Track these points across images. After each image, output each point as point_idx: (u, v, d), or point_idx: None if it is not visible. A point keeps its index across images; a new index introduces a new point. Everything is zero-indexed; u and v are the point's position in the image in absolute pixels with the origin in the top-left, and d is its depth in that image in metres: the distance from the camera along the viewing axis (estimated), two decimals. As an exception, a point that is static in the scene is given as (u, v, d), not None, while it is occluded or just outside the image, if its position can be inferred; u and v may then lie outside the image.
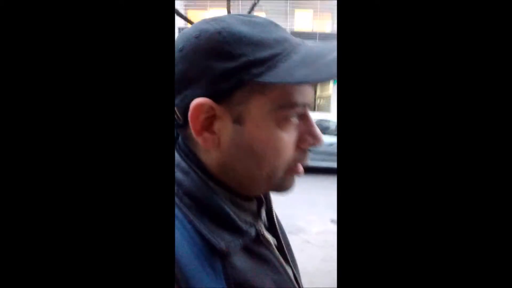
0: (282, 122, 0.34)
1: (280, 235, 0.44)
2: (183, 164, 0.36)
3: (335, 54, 0.32)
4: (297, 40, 0.36)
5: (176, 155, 0.37)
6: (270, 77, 0.32)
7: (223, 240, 0.33)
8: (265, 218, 0.43)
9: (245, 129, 0.34)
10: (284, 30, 0.36)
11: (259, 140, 0.34)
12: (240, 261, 0.35)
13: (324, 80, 0.31)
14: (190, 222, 0.33)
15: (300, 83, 0.33)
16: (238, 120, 0.34)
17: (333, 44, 0.34)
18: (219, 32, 0.33)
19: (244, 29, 0.33)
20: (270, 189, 0.38)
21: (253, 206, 0.39)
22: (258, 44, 0.33)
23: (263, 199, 0.43)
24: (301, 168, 0.38)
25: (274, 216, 0.44)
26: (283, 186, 0.38)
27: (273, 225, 0.44)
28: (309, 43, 0.36)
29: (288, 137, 0.35)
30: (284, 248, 0.43)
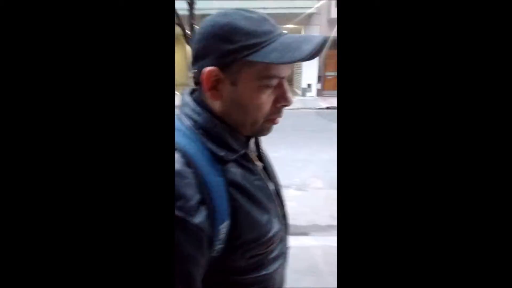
0: (262, 87, 0.51)
1: (265, 161, 0.66)
2: (198, 109, 0.54)
3: (303, 44, 0.48)
4: (281, 31, 0.52)
5: (193, 103, 0.55)
6: (255, 57, 0.48)
7: (222, 152, 0.52)
8: (255, 149, 0.63)
9: (238, 90, 0.51)
10: (272, 23, 0.51)
11: (246, 98, 0.51)
12: (234, 168, 0.54)
13: (288, 62, 0.47)
14: (202, 143, 0.52)
15: (273, 63, 0.48)
16: (234, 83, 0.51)
17: (305, 36, 0.50)
18: (226, 24, 0.49)
19: (243, 23, 0.49)
20: (254, 132, 0.56)
21: (243, 138, 0.57)
22: (251, 34, 0.48)
23: (252, 136, 0.61)
24: (278, 120, 0.56)
25: (261, 148, 0.66)
26: (263, 131, 0.56)
27: (260, 154, 0.65)
28: (290, 35, 0.51)
29: (266, 98, 0.52)
30: (268, 170, 0.65)
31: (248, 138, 0.59)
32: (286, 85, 0.53)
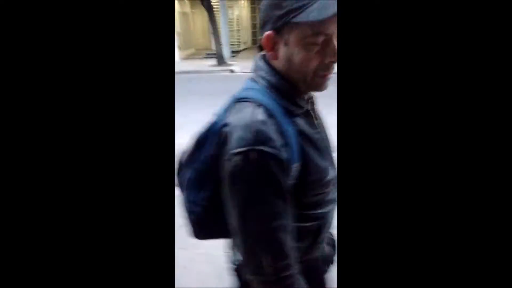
0: (308, 45, 0.60)
1: (320, 120, 0.77)
2: (271, 71, 0.66)
3: (334, 4, 0.55)
4: None
5: (266, 66, 0.68)
6: (300, 18, 0.57)
7: (292, 107, 0.66)
8: (313, 108, 0.75)
9: (289, 48, 0.62)
10: None
11: (295, 55, 0.62)
12: (300, 121, 0.67)
13: (323, 19, 0.55)
14: (275, 99, 0.64)
15: (311, 21, 0.56)
16: (286, 43, 0.62)
17: None
18: None
19: None
20: (309, 87, 0.67)
21: (305, 96, 0.71)
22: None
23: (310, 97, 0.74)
24: (330, 75, 0.65)
25: (316, 108, 0.77)
26: (317, 86, 0.65)
27: (314, 109, 0.76)
28: None
29: (312, 54, 0.61)
30: (322, 127, 0.76)
31: (308, 98, 0.71)
32: (334, 42, 0.60)
